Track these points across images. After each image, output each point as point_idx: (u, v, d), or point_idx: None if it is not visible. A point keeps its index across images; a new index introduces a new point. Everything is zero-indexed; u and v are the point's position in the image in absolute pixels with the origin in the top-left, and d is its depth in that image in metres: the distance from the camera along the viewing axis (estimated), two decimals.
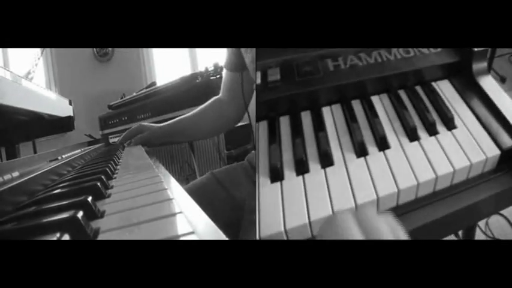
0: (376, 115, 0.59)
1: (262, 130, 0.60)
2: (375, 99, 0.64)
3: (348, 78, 0.62)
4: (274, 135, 0.57)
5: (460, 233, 1.20)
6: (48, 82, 3.46)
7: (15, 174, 0.46)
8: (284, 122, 0.61)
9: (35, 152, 1.70)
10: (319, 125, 0.58)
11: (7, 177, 0.43)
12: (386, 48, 0.65)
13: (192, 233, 0.23)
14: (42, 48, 2.98)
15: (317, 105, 0.62)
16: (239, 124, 1.10)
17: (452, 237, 1.13)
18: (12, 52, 3.39)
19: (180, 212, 0.28)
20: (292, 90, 0.61)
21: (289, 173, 0.52)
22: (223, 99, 1.07)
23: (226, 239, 0.24)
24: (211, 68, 2.21)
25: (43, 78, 3.45)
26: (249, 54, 0.89)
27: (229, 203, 0.88)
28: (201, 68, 2.62)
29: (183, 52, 3.48)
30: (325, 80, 0.62)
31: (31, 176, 0.46)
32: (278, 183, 0.50)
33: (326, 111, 0.62)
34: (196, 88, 2.12)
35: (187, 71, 3.00)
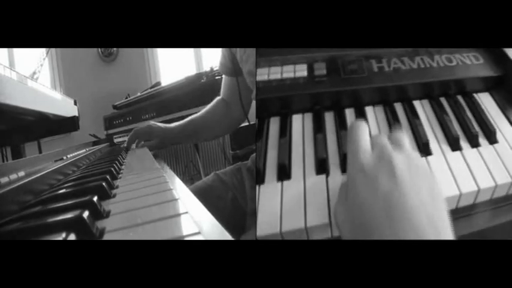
0: (418, 120, 0.60)
1: (307, 123, 0.62)
2: (417, 104, 0.64)
3: (391, 81, 0.63)
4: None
5: None
6: (53, 82, 3.47)
7: (21, 173, 0.46)
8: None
9: (40, 152, 1.71)
10: None
11: (13, 176, 0.43)
12: (429, 55, 0.66)
13: (198, 233, 0.23)
14: (48, 49, 2.99)
15: (360, 103, 0.63)
16: (244, 124, 1.10)
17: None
18: (18, 52, 3.40)
19: (185, 212, 0.28)
20: (338, 87, 0.62)
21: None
22: (226, 100, 1.07)
23: (232, 239, 0.24)
24: (216, 68, 2.21)
25: (48, 78, 3.46)
26: (245, 65, 0.88)
27: (234, 205, 0.88)
28: (206, 68, 2.63)
29: (188, 52, 3.48)
30: (370, 80, 0.63)
31: (36, 175, 0.46)
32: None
33: (369, 110, 0.63)
34: (202, 88, 2.12)
35: (192, 71, 3.01)
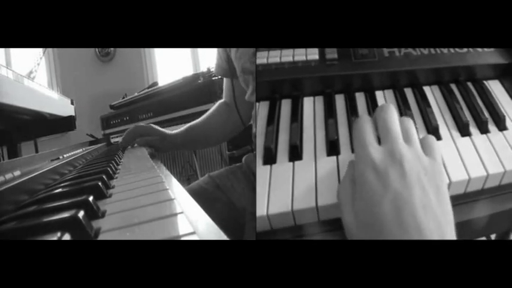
0: (428, 105, 0.60)
1: (317, 105, 0.63)
2: (427, 90, 0.64)
3: (402, 66, 0.64)
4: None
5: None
6: (50, 82, 3.46)
7: (17, 173, 0.46)
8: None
9: (37, 151, 1.71)
10: (374, 109, 0.59)
11: (9, 176, 0.43)
12: None
13: (193, 233, 0.23)
14: (44, 48, 2.99)
15: (371, 87, 0.64)
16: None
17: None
18: (15, 52, 3.39)
19: (181, 212, 0.28)
20: (348, 70, 0.63)
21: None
22: (228, 103, 1.05)
23: (227, 239, 0.24)
24: (213, 68, 2.20)
25: (45, 77, 3.45)
26: (238, 63, 0.88)
27: (228, 209, 0.87)
28: (203, 68, 2.62)
29: (185, 52, 3.48)
30: (380, 64, 0.64)
31: (32, 175, 0.46)
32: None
33: (379, 95, 0.64)
34: (198, 88, 2.12)
35: (189, 71, 3.01)
